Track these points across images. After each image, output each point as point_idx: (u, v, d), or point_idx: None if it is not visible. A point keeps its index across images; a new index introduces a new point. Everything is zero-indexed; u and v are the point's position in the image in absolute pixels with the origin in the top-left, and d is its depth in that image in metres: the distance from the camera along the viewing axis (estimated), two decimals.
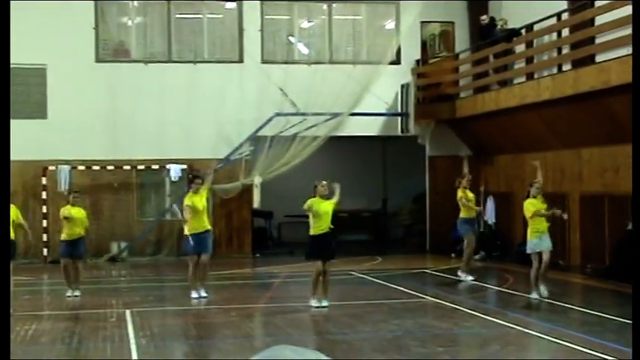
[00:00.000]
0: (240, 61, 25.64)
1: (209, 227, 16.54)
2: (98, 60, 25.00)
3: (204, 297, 16.38)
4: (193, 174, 21.00)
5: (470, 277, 18.89)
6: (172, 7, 25.46)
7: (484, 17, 24.91)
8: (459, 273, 19.08)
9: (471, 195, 19.34)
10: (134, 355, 11.27)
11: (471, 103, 24.33)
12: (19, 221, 15.30)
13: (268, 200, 25.40)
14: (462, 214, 19.26)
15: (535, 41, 22.22)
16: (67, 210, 16.86)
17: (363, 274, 20.46)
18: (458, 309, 15.04)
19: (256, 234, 26.32)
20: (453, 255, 23.28)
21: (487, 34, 24.44)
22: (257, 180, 24.57)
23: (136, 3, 25.68)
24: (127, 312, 14.90)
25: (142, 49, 25.55)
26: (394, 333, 12.71)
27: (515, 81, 22.54)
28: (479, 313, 14.45)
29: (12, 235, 14.74)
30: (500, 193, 24.36)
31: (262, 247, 26.06)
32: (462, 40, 26.69)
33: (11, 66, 23.53)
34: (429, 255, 25.37)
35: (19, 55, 23.80)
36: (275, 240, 28.26)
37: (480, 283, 18.72)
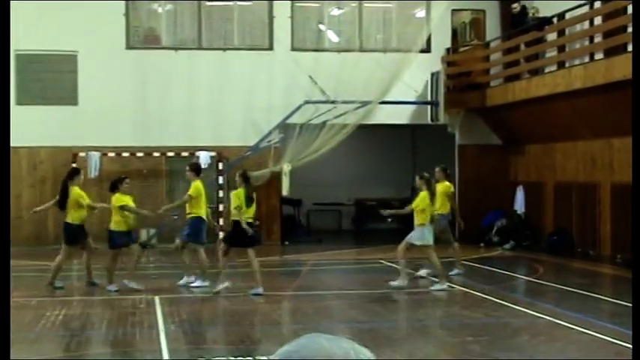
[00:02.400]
0: (270, 48, 25.62)
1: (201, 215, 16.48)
2: (129, 47, 25.07)
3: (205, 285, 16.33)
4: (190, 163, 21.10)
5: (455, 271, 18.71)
6: None
7: (515, 5, 24.73)
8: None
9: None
10: (163, 341, 11.32)
11: (501, 91, 24.19)
12: (87, 203, 15.56)
13: (297, 188, 25.36)
14: None
15: (567, 30, 22.04)
16: (124, 200, 16.18)
17: (392, 262, 20.41)
18: (487, 298, 14.99)
19: (285, 222, 26.34)
20: (481, 244, 23.18)
21: (518, 22, 24.28)
22: (286, 167, 24.57)
23: None
24: (156, 298, 14.97)
25: (172, 36, 25.60)
26: (423, 322, 12.69)
27: (547, 70, 22.38)
28: (508, 302, 14.40)
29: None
30: (531, 183, 24.22)
31: (291, 235, 26.08)
32: (492, 29, 26.52)
33: (43, 53, 23.94)
34: (458, 244, 25.19)
35: (50, 42, 24.00)
36: (304, 228, 28.25)
37: (510, 273, 18.64)
